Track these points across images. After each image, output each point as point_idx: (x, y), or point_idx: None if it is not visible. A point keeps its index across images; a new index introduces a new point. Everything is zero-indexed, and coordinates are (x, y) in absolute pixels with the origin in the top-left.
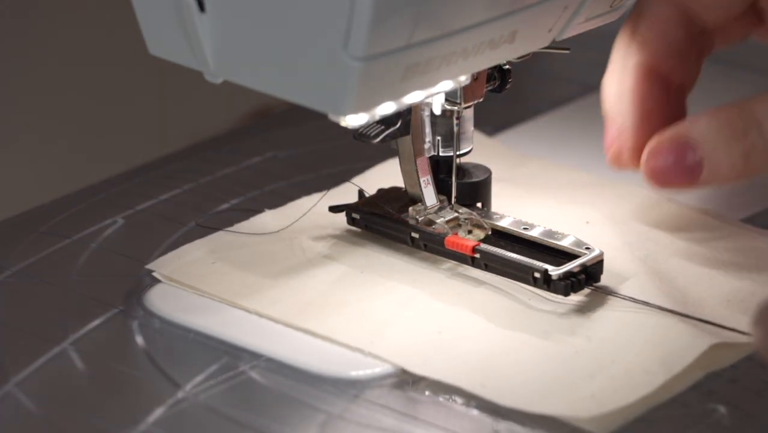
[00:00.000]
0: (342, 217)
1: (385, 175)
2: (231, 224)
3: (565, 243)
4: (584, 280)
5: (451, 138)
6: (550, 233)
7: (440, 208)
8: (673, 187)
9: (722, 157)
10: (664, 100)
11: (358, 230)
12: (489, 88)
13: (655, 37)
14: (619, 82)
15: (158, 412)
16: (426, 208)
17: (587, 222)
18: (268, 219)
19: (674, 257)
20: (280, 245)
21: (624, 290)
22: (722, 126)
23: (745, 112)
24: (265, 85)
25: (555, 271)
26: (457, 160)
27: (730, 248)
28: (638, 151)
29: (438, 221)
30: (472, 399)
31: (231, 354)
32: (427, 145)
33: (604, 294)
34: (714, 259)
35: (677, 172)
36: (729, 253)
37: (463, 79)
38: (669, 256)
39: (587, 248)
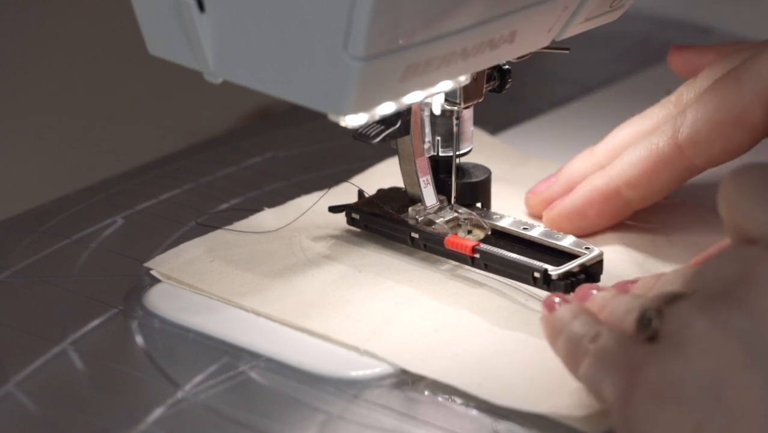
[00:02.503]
0: (341, 217)
1: (385, 175)
2: (230, 224)
3: (565, 243)
4: (584, 280)
5: (450, 138)
6: (550, 233)
7: (440, 209)
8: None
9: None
10: (610, 211)
11: (358, 229)
12: (489, 88)
13: (642, 177)
14: (590, 173)
15: (158, 412)
16: (426, 208)
17: None
18: (267, 218)
19: (673, 257)
20: (279, 243)
21: None
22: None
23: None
24: (265, 85)
25: (555, 271)
26: (457, 160)
27: None
28: (548, 205)
29: (438, 221)
30: (472, 399)
31: (231, 354)
32: (426, 145)
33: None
34: None
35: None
36: None
37: (463, 79)
38: (668, 256)
39: (587, 248)
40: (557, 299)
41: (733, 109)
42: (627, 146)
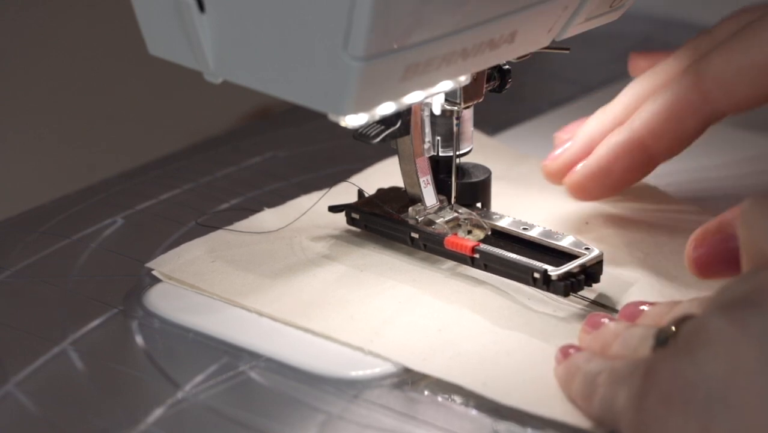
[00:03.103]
0: (341, 217)
1: (385, 175)
2: (231, 224)
3: (565, 243)
4: (584, 280)
5: (450, 138)
6: (550, 233)
7: (440, 209)
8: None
9: None
10: (635, 166)
11: (358, 229)
12: (489, 88)
13: (666, 125)
14: (608, 130)
15: (158, 412)
16: (426, 208)
17: (587, 222)
18: (268, 218)
19: (674, 256)
20: (280, 244)
21: (623, 290)
22: None
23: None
24: (265, 85)
25: (554, 271)
26: (457, 160)
27: None
28: (568, 169)
29: (438, 221)
30: (472, 399)
31: (231, 354)
32: (426, 145)
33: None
34: None
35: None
36: None
37: (463, 79)
38: (668, 255)
39: (587, 248)
40: (572, 350)
41: (759, 56)
42: (644, 101)
